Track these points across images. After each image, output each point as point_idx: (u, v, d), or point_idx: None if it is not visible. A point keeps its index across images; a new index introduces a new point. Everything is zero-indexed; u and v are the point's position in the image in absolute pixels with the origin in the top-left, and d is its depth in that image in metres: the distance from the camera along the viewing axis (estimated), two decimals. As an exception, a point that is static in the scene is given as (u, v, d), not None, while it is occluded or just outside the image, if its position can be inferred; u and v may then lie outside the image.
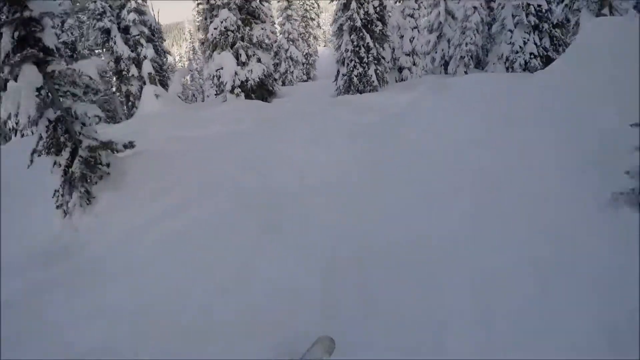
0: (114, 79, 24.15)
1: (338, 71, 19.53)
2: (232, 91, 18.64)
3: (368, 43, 18.27)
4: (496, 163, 6.35)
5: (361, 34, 18.15)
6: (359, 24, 17.83)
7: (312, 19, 48.53)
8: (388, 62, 21.47)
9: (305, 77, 43.43)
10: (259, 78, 18.24)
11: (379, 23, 18.69)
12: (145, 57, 22.53)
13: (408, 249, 5.21)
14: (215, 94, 20.08)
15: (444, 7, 23.07)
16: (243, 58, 18.11)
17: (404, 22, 26.24)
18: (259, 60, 18.62)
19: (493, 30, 18.89)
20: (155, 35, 23.80)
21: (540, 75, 9.07)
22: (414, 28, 26.38)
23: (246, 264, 5.37)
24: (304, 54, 43.75)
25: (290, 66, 34.94)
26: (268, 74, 19.20)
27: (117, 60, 23.34)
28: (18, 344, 4.56)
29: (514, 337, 3.79)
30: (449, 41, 23.26)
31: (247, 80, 18.35)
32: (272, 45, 20.18)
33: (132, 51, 22.93)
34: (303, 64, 42.98)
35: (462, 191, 6.06)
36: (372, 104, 14.41)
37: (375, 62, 18.70)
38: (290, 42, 35.11)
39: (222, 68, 18.33)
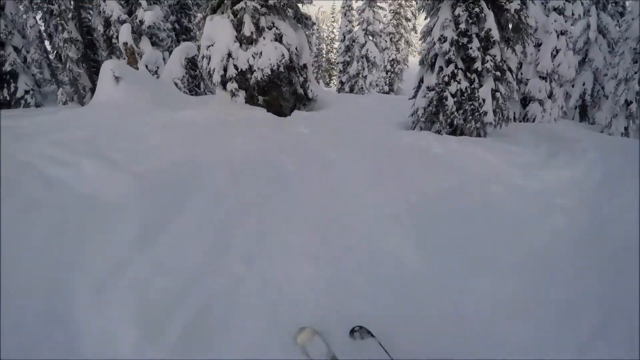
0: (104, 46, 17.30)
1: (420, 81, 10.74)
2: (223, 86, 10.63)
3: (489, 31, 9.31)
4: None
5: (478, 8, 9.26)
6: (477, -13, 9.01)
7: (408, 20, 39.73)
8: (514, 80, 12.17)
9: (386, 88, 34.68)
10: (274, 68, 10.28)
11: (516, -4, 9.69)
12: (140, 22, 15.26)
13: None
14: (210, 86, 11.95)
15: (596, 19, 13.25)
16: (248, 30, 10.02)
17: (545, 19, 16.69)
18: (278, 38, 10.41)
19: None
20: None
21: None
22: (562, 34, 16.67)
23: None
24: (390, 59, 35.08)
25: (363, 68, 26.41)
26: (293, 66, 10.92)
27: (107, 23, 16.44)
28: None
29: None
30: (595, 72, 13.31)
31: (250, 70, 10.23)
32: (310, 19, 11.80)
33: (126, 12, 15.81)
34: (387, 71, 34.34)
35: None
36: (482, 175, 5.72)
37: (497, 73, 9.65)
38: (369, 37, 26.62)
39: (212, 44, 10.35)
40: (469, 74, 10.00)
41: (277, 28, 10.74)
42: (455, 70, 10.00)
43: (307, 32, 13.16)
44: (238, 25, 10.50)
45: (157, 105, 12.56)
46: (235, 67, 10.48)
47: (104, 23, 16.65)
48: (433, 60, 10.35)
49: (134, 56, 14.20)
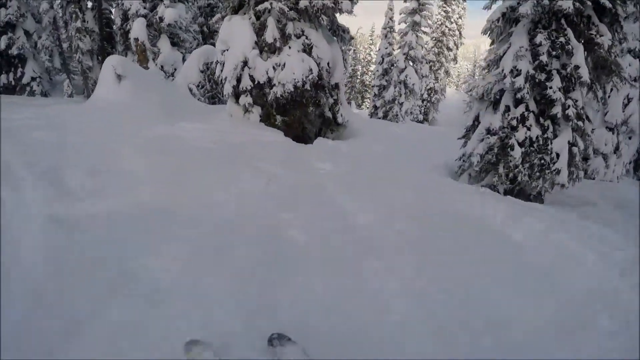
0: (121, 40, 15.85)
1: (476, 119, 8.69)
2: (236, 99, 8.84)
3: (576, 68, 7.25)
4: None
5: (564, 38, 7.23)
6: (569, 8, 6.97)
7: (449, 49, 37.78)
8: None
9: (421, 117, 32.65)
10: (298, 84, 8.62)
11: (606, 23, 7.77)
12: (160, 19, 13.77)
13: None
14: (222, 97, 10.09)
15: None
16: (271, 36, 8.23)
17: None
18: (307, 49, 8.61)
19: None
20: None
21: None
22: (635, 80, 14.43)
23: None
24: (427, 87, 33.14)
25: (400, 95, 24.47)
26: (322, 84, 9.07)
27: (125, 16, 15.04)
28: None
29: None
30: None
31: (269, 84, 8.44)
32: (348, 32, 9.96)
33: (146, 8, 14.36)
34: (423, 99, 32.38)
35: None
36: (587, 293, 3.51)
37: (579, 123, 7.60)
38: (409, 62, 24.73)
39: (227, 49, 8.58)
40: (542, 120, 7.89)
41: (307, 37, 8.92)
42: (526, 113, 7.92)
43: (343, 47, 11.35)
44: (260, 30, 8.72)
45: (159, 111, 10.85)
46: (252, 78, 8.66)
47: (122, 16, 15.23)
48: (497, 97, 8.30)
49: (144, 54, 12.63)
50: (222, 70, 8.97)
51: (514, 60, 7.72)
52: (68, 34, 17.02)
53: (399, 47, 25.61)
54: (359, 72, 50.16)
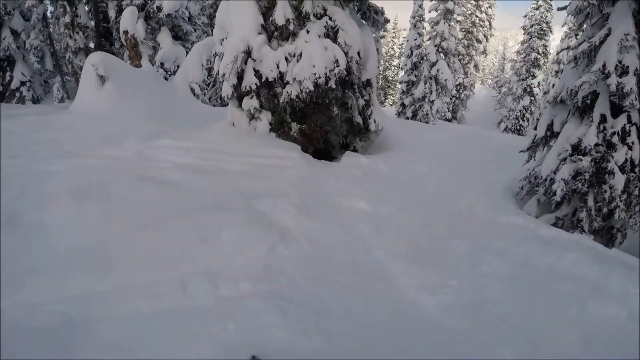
0: (117, 36, 13.92)
1: (548, 129, 6.20)
2: (239, 102, 6.68)
3: None
4: None
5: None
6: None
7: (479, 41, 34.99)
8: None
9: (449, 115, 30.07)
10: (320, 80, 6.41)
11: None
12: (157, 9, 11.82)
13: None
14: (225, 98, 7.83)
15: None
16: (282, 15, 6.00)
17: None
18: (331, 33, 6.32)
19: None
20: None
21: None
22: None
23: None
24: (457, 83, 30.53)
25: (431, 91, 21.98)
26: (351, 80, 6.80)
27: (119, 9, 13.13)
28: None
29: None
30: None
31: (281, 81, 6.26)
32: (382, 13, 7.66)
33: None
34: (451, 96, 29.79)
35: None
36: None
37: None
38: (441, 55, 22.20)
39: (226, 37, 6.42)
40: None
41: (330, 18, 6.69)
42: (628, 127, 5.52)
43: (375, 34, 9.05)
44: (267, 9, 6.52)
45: (144, 121, 8.78)
46: (257, 73, 6.47)
47: (116, 9, 13.30)
48: (587, 102, 5.87)
49: (135, 50, 10.62)
50: (220, 60, 6.82)
51: (619, 53, 5.32)
52: (59, 31, 15.25)
53: (429, 39, 23.08)
54: (381, 67, 47.57)
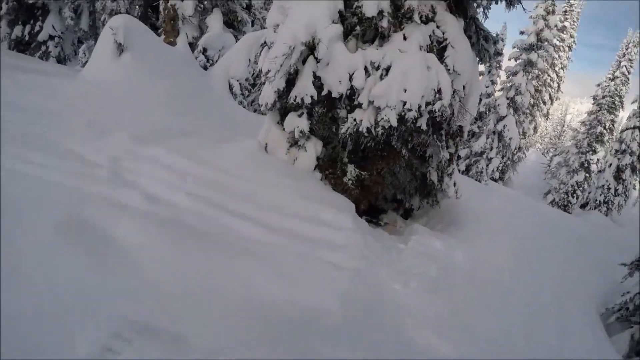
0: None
1: None
2: (281, 116, 4.41)
3: None
4: None
5: None
6: None
7: (544, 102, 32.28)
8: None
9: (496, 175, 27.33)
10: (409, 113, 3.96)
11: None
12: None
13: None
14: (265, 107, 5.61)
15: None
16: (373, 5, 3.68)
17: None
18: (435, 48, 3.97)
19: None
20: None
21: None
22: None
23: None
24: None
25: (491, 148, 19.55)
26: (442, 123, 4.45)
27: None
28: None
29: None
30: None
31: (352, 100, 3.98)
32: (497, 42, 5.28)
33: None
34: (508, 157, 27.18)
35: None
36: None
37: None
38: (511, 110, 19.78)
39: (278, 25, 4.22)
40: None
41: (438, 26, 4.46)
42: None
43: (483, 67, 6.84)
44: (354, -7, 4.34)
45: (158, 109, 6.81)
46: (318, 81, 4.29)
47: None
48: None
49: (173, 23, 8.68)
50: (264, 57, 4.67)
51: None
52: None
53: (502, 89, 20.69)
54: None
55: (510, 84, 20.25)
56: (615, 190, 22.97)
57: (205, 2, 11.26)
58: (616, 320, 5.83)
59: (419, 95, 4.00)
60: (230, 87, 9.97)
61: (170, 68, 8.04)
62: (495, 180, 27.67)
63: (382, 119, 4.05)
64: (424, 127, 4.31)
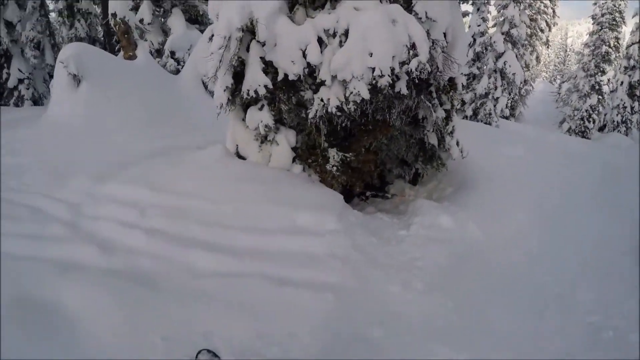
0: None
1: None
2: (244, 112, 3.81)
3: None
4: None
5: None
6: None
7: (542, 31, 30.64)
8: None
9: (507, 112, 26.24)
10: (382, 81, 3.51)
11: None
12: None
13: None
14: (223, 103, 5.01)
15: None
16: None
17: None
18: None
19: None
20: None
21: None
22: None
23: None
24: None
25: (495, 87, 18.60)
26: (429, 79, 3.77)
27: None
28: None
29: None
30: None
31: (312, 79, 3.31)
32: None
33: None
34: (515, 93, 26.03)
35: None
36: None
37: None
38: (509, 45, 18.70)
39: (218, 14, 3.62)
40: None
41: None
42: None
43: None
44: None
45: (124, 133, 6.33)
46: (268, 67, 3.68)
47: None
48: None
49: (127, 37, 8.09)
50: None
51: None
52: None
53: (494, 25, 19.56)
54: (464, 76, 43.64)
55: (503, 17, 19.07)
56: (632, 108, 21.84)
57: (164, 4, 10.61)
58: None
59: (389, 57, 3.36)
60: (205, 85, 9.37)
61: (132, 85, 7.50)
62: (507, 118, 26.63)
63: (352, 93, 3.44)
64: (405, 91, 3.68)
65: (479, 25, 19.52)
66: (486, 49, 19.16)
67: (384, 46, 3.37)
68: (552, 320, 2.81)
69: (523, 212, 4.82)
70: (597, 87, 25.02)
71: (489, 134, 12.97)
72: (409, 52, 3.52)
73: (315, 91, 3.79)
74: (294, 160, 4.26)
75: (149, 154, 5.01)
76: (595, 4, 25.07)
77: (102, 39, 12.53)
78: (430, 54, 3.71)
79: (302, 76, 3.68)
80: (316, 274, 2.73)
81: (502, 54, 18.60)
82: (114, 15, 8.15)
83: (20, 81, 12.85)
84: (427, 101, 4.34)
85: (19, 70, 12.75)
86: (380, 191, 6.09)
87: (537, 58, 31.88)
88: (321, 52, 3.51)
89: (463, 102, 19.41)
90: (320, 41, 3.52)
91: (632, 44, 22.31)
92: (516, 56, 19.06)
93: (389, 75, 3.38)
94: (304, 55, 3.50)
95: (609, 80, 25.62)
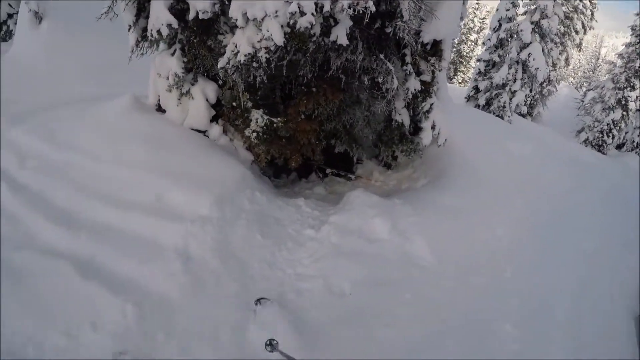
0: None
1: None
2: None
3: None
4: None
5: None
6: None
7: (576, 32, 28.61)
8: None
9: (524, 110, 24.83)
10: (301, 22, 2.64)
11: None
12: None
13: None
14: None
15: None
16: None
17: None
18: None
19: None
20: None
21: None
22: None
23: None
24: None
25: (514, 79, 17.42)
26: (394, 31, 2.99)
27: None
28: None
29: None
30: None
31: (226, 16, 2.56)
32: None
33: None
34: (535, 90, 24.52)
35: None
36: None
37: None
38: (537, 36, 17.40)
39: None
40: None
41: None
42: None
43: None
44: None
45: (79, 78, 5.81)
46: (183, 5, 2.94)
47: None
48: None
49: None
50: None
51: None
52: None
53: (525, 12, 18.20)
54: (456, 40, 41.34)
55: (535, 6, 17.62)
56: (655, 132, 20.25)
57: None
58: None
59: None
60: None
61: (97, 26, 6.81)
62: (523, 116, 25.21)
63: (263, 37, 2.67)
64: (344, 40, 2.89)
65: (507, 10, 18.23)
66: (511, 36, 17.86)
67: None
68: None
69: (504, 228, 3.94)
70: (623, 102, 23.17)
71: (497, 127, 11.98)
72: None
73: (232, 35, 3.03)
74: (213, 120, 3.55)
75: (69, 101, 4.36)
76: (638, 14, 23.20)
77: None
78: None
79: (215, 15, 2.92)
80: (140, 275, 2.04)
81: (528, 44, 17.25)
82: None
83: (10, 16, 12.44)
84: (386, 61, 3.51)
85: (9, 4, 12.34)
86: (345, 170, 5.37)
87: (567, 60, 29.99)
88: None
89: (477, 89, 18.22)
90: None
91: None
92: (543, 50, 17.72)
93: (313, 14, 2.59)
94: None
95: (637, 97, 23.92)
